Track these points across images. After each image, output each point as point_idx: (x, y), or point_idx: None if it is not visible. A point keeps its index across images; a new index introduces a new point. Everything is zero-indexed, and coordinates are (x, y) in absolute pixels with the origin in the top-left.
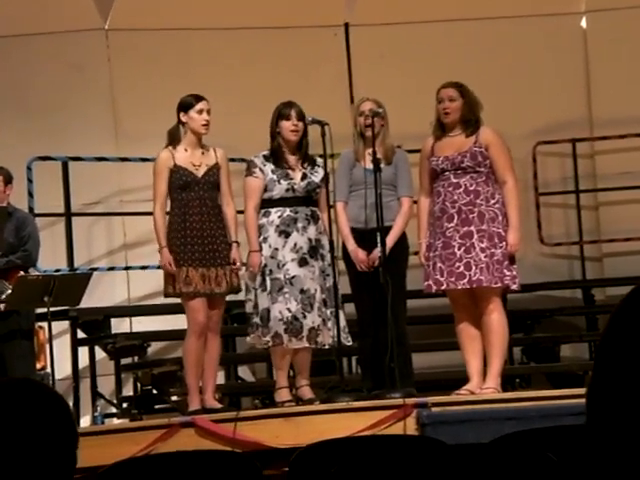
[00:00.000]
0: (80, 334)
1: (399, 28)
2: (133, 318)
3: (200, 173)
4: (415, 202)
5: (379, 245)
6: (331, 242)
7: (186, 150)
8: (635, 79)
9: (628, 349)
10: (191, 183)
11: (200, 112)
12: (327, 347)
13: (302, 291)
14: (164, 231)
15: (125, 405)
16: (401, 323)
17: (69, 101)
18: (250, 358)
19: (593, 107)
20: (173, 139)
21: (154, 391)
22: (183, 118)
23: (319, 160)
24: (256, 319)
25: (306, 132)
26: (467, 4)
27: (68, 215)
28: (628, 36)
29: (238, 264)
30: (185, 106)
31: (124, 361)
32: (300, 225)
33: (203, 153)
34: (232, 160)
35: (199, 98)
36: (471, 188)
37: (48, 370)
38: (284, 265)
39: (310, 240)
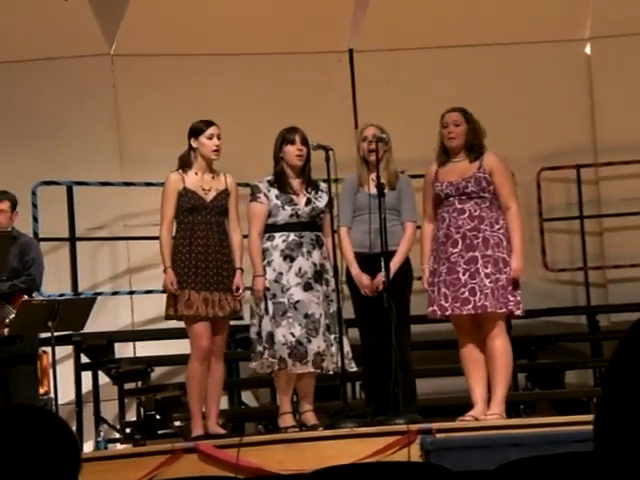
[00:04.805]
0: (84, 359)
1: (403, 54)
2: (137, 343)
3: (209, 198)
4: (419, 227)
5: (383, 270)
6: (335, 267)
7: (196, 174)
8: (639, 105)
9: (636, 375)
10: (199, 207)
11: (210, 137)
12: (331, 372)
13: (306, 316)
14: (169, 252)
15: (128, 430)
16: (405, 348)
17: (74, 126)
18: (254, 383)
19: (597, 133)
20: (185, 165)
21: (157, 416)
22: (194, 144)
23: (322, 185)
24: (260, 344)
25: (309, 157)
26: (471, 30)
27: (72, 240)
28: (632, 63)
29: (241, 291)
30: (195, 132)
31: (127, 386)
32: (305, 250)
33: (213, 178)
34: (237, 185)
35: (209, 123)
36: (475, 214)
37: (51, 395)
38: (288, 290)
39: (315, 265)
